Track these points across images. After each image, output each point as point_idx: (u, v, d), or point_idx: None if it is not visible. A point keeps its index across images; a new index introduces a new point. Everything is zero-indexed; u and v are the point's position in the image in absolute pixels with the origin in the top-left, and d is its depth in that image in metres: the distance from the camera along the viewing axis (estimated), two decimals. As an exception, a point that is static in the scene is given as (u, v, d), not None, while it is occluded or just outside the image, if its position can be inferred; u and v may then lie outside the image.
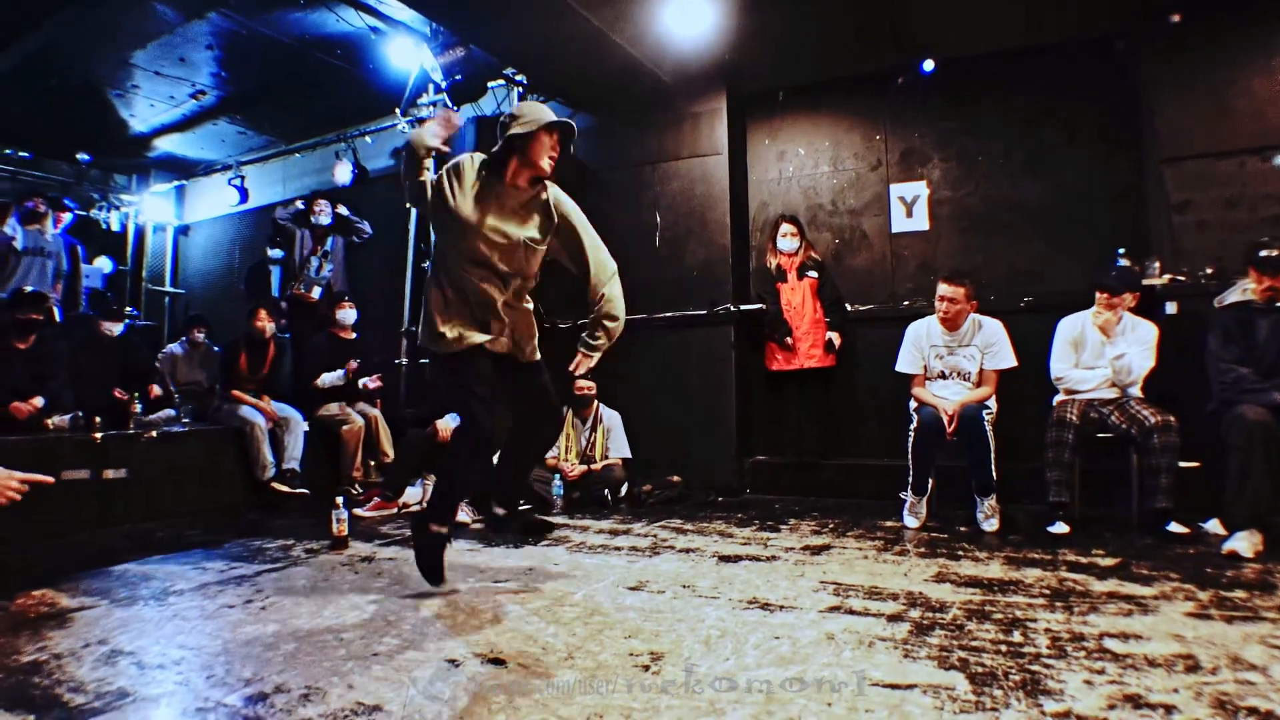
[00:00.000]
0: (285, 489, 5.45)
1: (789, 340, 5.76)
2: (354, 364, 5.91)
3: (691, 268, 6.26)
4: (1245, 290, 4.11)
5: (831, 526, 4.55)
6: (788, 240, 5.81)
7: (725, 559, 3.72)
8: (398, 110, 7.17)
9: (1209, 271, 4.81)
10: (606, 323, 3.23)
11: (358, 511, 5.07)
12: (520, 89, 6.93)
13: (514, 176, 3.05)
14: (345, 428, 5.69)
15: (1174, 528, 4.02)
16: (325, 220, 6.96)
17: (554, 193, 3.15)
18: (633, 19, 5.49)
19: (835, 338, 5.71)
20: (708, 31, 5.59)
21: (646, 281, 6.34)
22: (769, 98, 6.41)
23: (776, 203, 6.37)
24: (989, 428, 4.36)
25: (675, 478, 5.67)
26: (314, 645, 2.52)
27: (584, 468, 5.52)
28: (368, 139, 8.12)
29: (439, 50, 6.49)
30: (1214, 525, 4.03)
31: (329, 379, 5.87)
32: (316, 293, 6.85)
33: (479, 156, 3.11)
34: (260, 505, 5.41)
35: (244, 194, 9.13)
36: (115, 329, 6.06)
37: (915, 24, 5.70)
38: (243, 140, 8.97)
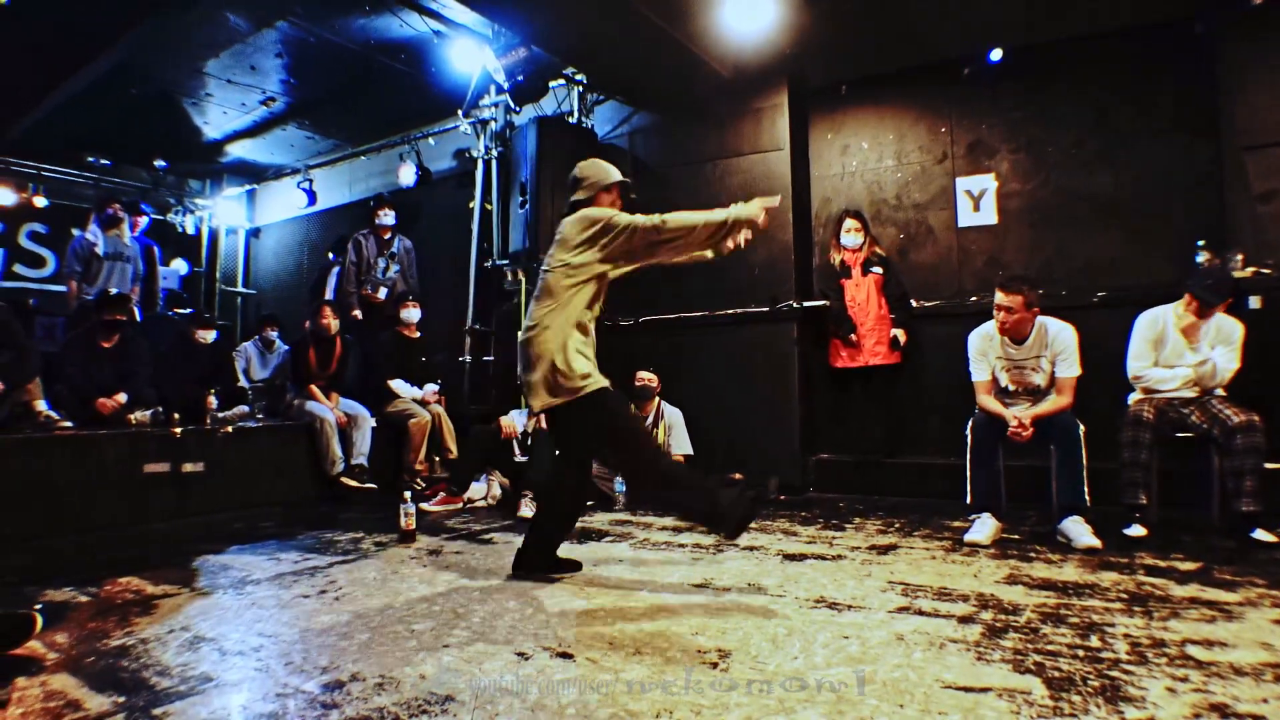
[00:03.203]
0: (354, 483, 5.59)
1: (853, 337, 5.69)
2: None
3: (754, 265, 6.21)
4: (1337, 283, 3.91)
5: (898, 526, 4.48)
6: (851, 236, 5.74)
7: (790, 557, 3.69)
8: (460, 112, 7.28)
9: (1297, 264, 4.61)
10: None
11: (424, 506, 5.17)
12: (580, 88, 6.98)
13: None
14: (413, 420, 5.81)
15: (1260, 535, 3.82)
16: (390, 220, 7.10)
17: None
18: (692, 15, 5.48)
19: (900, 334, 5.62)
20: (768, 25, 5.54)
21: (708, 279, 6.32)
22: (831, 91, 6.33)
23: (840, 198, 6.30)
24: (1083, 439, 4.01)
25: (737, 475, 5.65)
26: (386, 636, 2.58)
27: (646, 465, 5.53)
28: (430, 141, 8.26)
29: (500, 51, 6.57)
30: (1303, 530, 3.86)
31: (405, 390, 6.00)
32: (383, 293, 7.02)
33: None
34: (330, 499, 5.57)
35: (312, 197, 9.38)
36: (209, 337, 6.33)
37: (983, 11, 5.55)
38: (310, 145, 9.22)
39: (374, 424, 5.84)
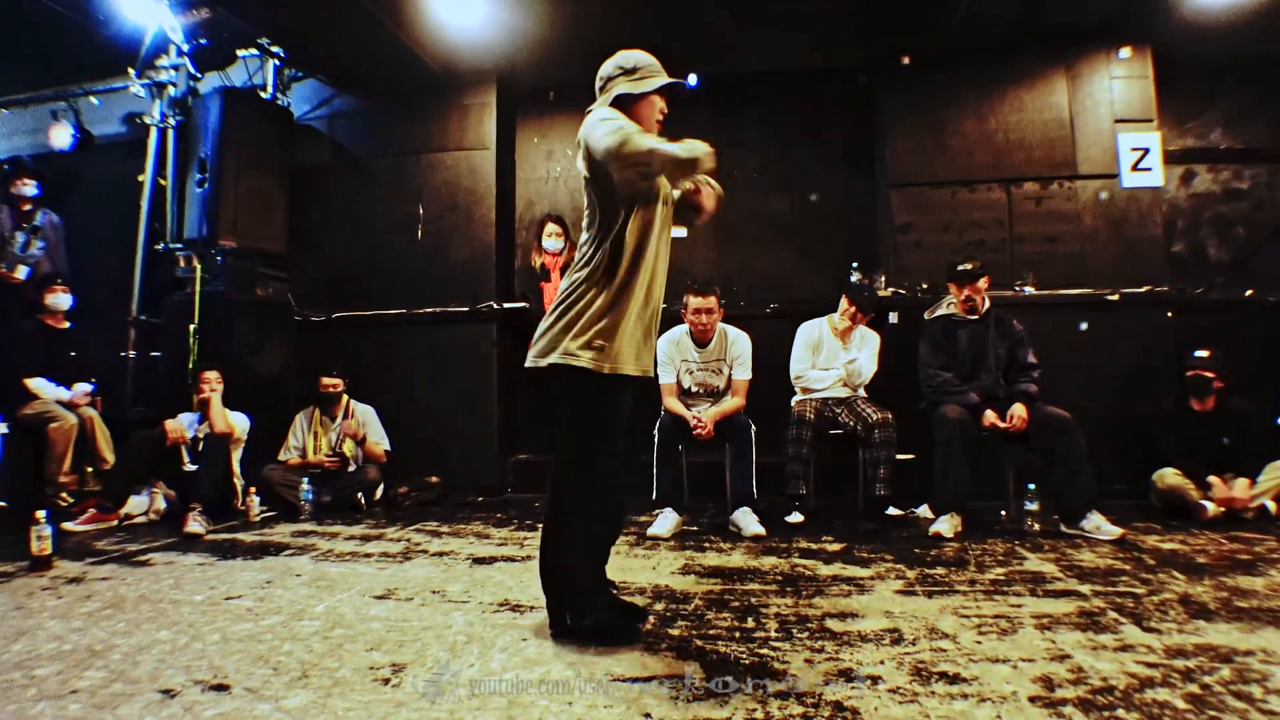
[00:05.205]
0: (-27, 503, 4.71)
1: (550, 339, 5.79)
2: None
3: (455, 263, 6.12)
4: (949, 304, 4.70)
5: (590, 523, 4.61)
6: (552, 240, 5.82)
7: (480, 561, 3.67)
8: (131, 71, 6.38)
9: (924, 286, 5.42)
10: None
11: (69, 526, 4.47)
12: (277, 61, 6.42)
13: None
14: (54, 425, 5.00)
15: (892, 513, 4.54)
16: (31, 191, 6.09)
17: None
18: (402, 1, 5.26)
19: (595, 337, 5.80)
20: (480, 23, 5.47)
21: (408, 276, 6.16)
22: (540, 96, 6.41)
23: (543, 202, 6.40)
24: (754, 437, 4.48)
25: (434, 478, 5.51)
26: (-6, 685, 2.19)
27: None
28: (94, 100, 7.15)
29: (180, 8, 5.86)
30: (924, 510, 4.59)
31: (47, 390, 5.15)
32: (22, 272, 5.97)
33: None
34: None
35: (-69, 152, 7.79)
36: None
37: (683, 37, 5.88)
38: (-67, 88, 7.64)
39: (4, 430, 4.95)
